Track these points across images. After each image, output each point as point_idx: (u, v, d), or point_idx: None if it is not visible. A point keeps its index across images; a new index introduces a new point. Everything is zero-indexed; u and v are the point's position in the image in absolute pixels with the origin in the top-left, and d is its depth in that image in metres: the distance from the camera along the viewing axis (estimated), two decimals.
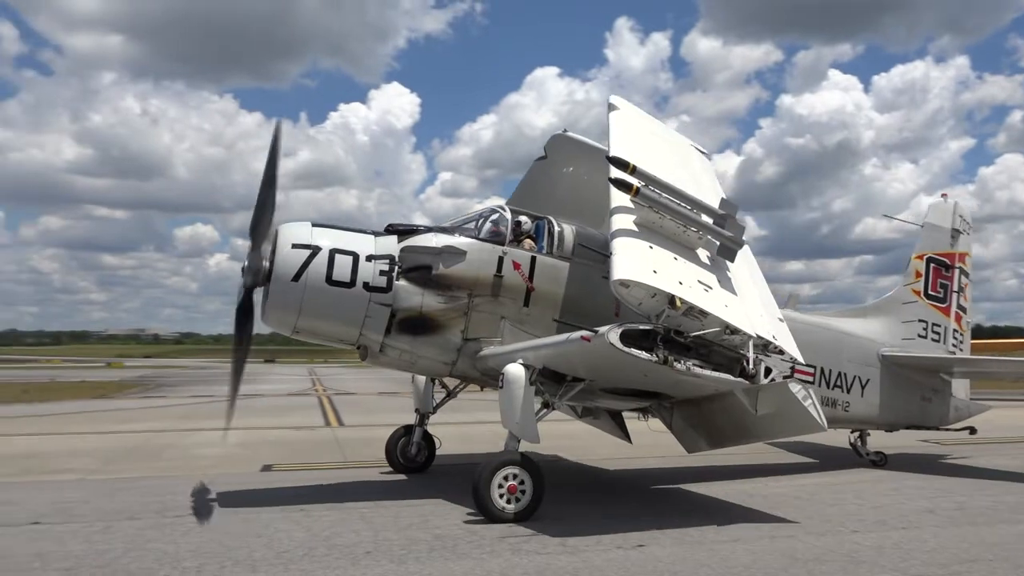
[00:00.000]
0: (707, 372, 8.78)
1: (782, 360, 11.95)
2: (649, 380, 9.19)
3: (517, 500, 8.93)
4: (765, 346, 9.23)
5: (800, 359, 9.48)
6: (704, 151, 12.35)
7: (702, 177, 11.28)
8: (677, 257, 9.03)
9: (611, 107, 11.15)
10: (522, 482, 8.96)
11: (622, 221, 9.07)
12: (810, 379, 12.60)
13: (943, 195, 15.13)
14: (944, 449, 15.91)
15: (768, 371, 9.17)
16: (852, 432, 13.96)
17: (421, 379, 12.65)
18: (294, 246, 9.92)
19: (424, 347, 10.43)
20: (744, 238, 10.06)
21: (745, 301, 9.36)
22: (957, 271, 14.75)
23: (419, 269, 10.26)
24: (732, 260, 9.55)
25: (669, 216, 9.15)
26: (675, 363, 8.54)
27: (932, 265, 14.57)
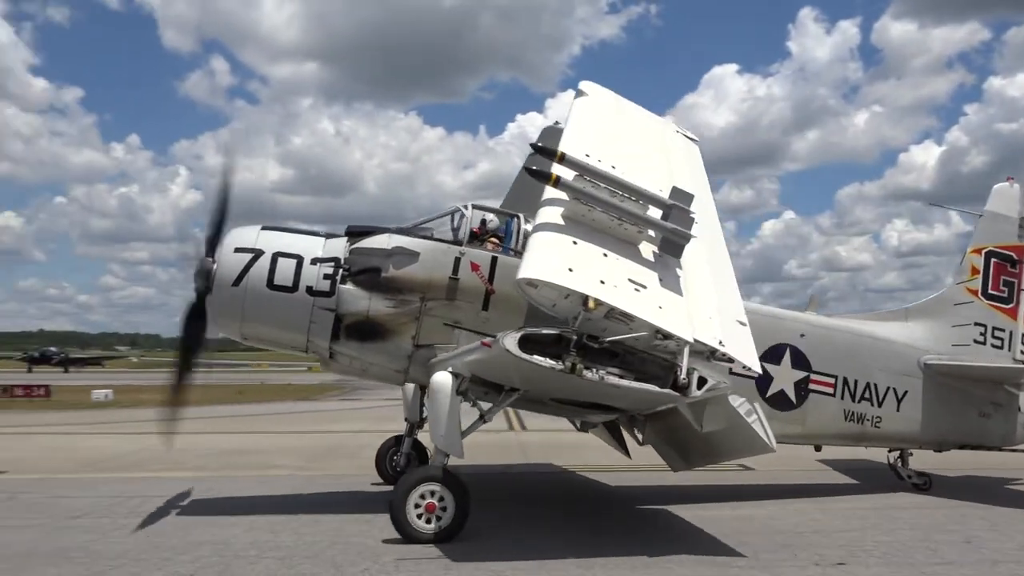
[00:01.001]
0: (625, 382, 7.79)
1: (795, 371, 10.80)
2: (583, 390, 8.29)
3: (438, 519, 8.24)
4: (712, 353, 8.12)
5: (756, 368, 8.23)
6: (692, 136, 11.22)
7: (680, 165, 10.21)
8: (607, 253, 8.06)
9: (579, 93, 10.33)
10: (442, 499, 8.26)
11: (547, 215, 8.23)
12: (829, 390, 11.22)
13: (1009, 179, 13.10)
14: (1014, 473, 13.83)
15: (702, 381, 8.01)
16: (890, 451, 12.31)
17: (411, 387, 12.16)
18: (236, 250, 9.70)
19: (372, 354, 9.95)
20: (714, 230, 9.01)
21: (693, 301, 8.25)
22: None
23: (367, 272, 9.79)
24: (677, 255, 8.44)
25: (601, 208, 8.22)
26: (584, 371, 7.62)
27: (993, 260, 12.62)
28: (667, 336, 7.85)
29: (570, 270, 7.65)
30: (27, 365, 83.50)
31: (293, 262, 9.74)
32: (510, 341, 7.52)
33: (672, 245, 8.35)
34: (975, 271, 12.56)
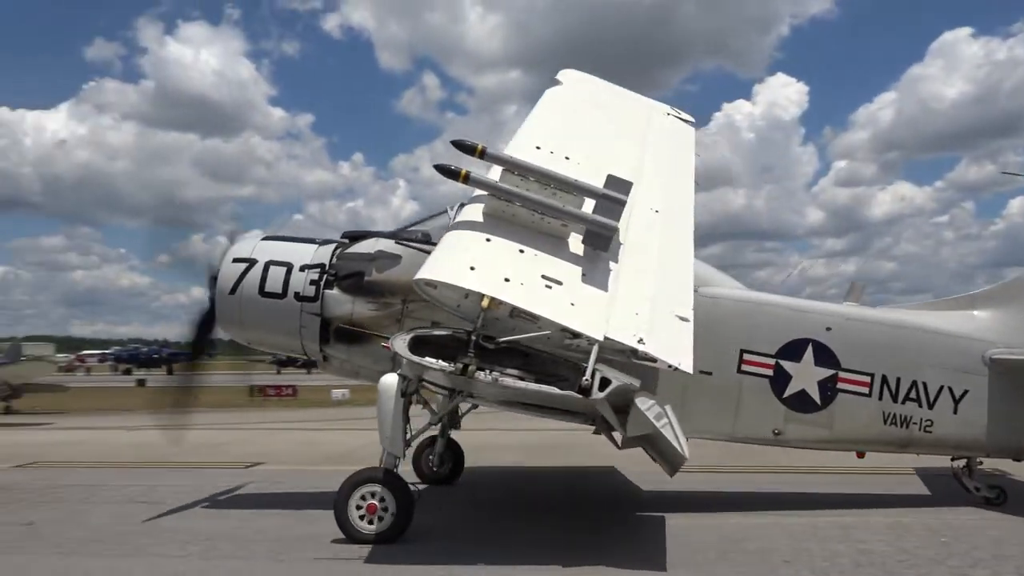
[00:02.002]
0: (522, 384, 7.41)
1: (819, 369, 9.83)
2: (504, 393, 8.00)
3: (379, 520, 8.28)
4: (634, 352, 7.54)
5: (681, 365, 7.49)
6: (686, 118, 10.45)
7: (660, 150, 9.60)
8: (524, 249, 7.73)
9: (554, 82, 10.01)
10: (383, 500, 8.30)
11: (468, 212, 8.08)
12: (863, 390, 10.01)
13: None
14: None
15: (605, 383, 7.41)
16: (953, 459, 10.69)
17: None
18: (234, 260, 10.33)
19: (360, 356, 10.21)
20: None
21: (620, 296, 7.70)
22: None
23: (350, 276, 10.08)
24: (604, 248, 7.90)
25: (520, 203, 7.91)
26: (477, 373, 7.36)
27: None
28: (576, 335, 7.43)
29: (472, 269, 7.44)
30: (276, 367, 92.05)
31: (283, 270, 10.21)
32: (399, 343, 7.48)
33: (597, 238, 7.87)
34: None
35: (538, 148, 8.78)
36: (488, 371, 7.52)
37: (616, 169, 8.74)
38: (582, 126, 9.51)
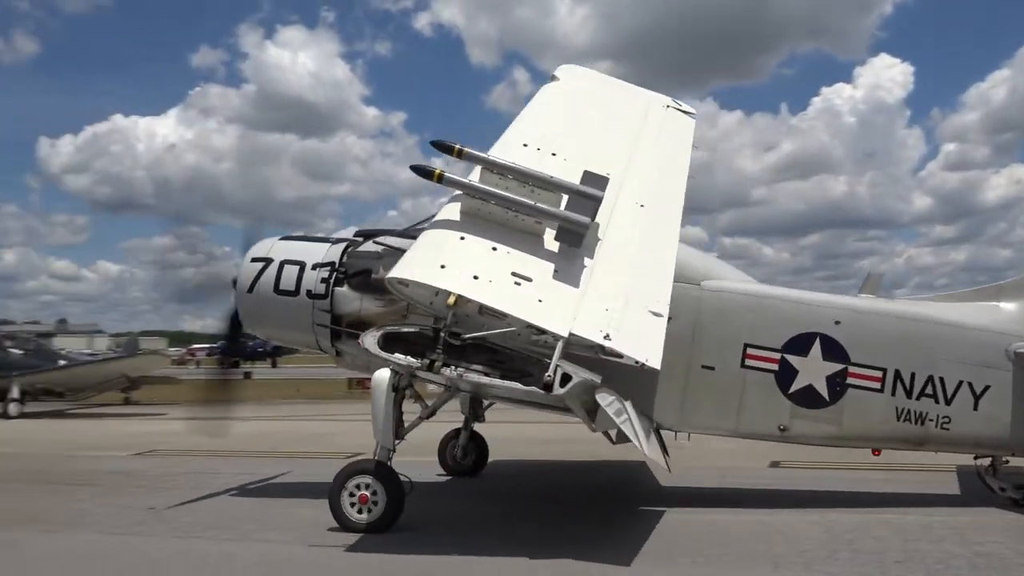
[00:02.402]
0: (485, 379, 7.53)
1: (827, 363, 9.59)
2: (481, 389, 8.15)
3: (369, 511, 8.56)
4: (601, 348, 7.55)
5: (648, 361, 7.44)
6: (687, 110, 10.28)
7: (654, 143, 9.55)
8: (497, 247, 7.87)
9: (552, 78, 10.07)
10: (374, 492, 8.57)
11: (445, 211, 8.27)
12: (875, 385, 9.69)
13: None
14: None
15: (566, 378, 7.43)
16: (976, 458, 10.18)
17: None
18: (252, 260, 10.80)
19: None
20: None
21: (591, 292, 7.73)
22: None
23: (359, 274, 10.39)
24: (576, 244, 7.93)
25: (494, 201, 8.04)
26: (443, 369, 7.53)
27: None
28: (543, 331, 7.51)
29: (442, 267, 7.64)
30: None
31: (296, 268, 10.60)
32: (369, 339, 7.74)
33: (570, 234, 7.94)
34: None
35: (525, 146, 8.91)
36: (454, 367, 7.69)
37: (603, 164, 8.81)
38: (573, 122, 9.54)
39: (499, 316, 7.62)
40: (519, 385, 7.73)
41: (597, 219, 8.29)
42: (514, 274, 7.66)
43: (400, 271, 7.66)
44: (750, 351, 9.80)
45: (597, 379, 7.65)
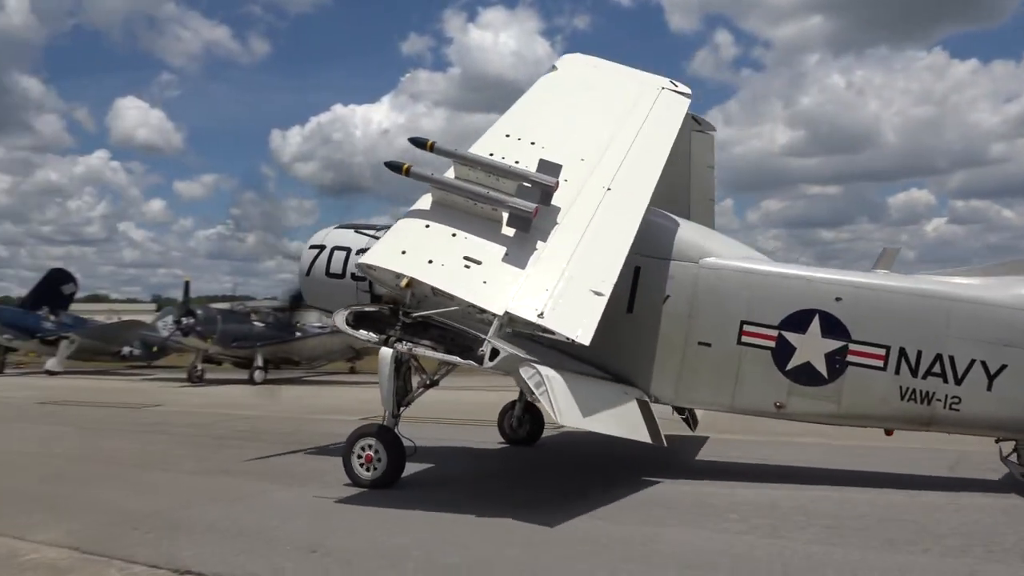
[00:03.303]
0: (430, 352, 8.26)
1: (827, 340, 9.55)
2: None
3: (374, 468, 9.61)
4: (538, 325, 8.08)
5: (578, 338, 7.85)
6: (683, 91, 10.33)
7: (640, 127, 9.81)
8: (457, 233, 8.61)
9: (551, 68, 10.56)
10: (377, 452, 9.59)
11: (419, 203, 9.10)
12: (878, 363, 9.42)
13: None
14: None
15: (495, 353, 7.97)
16: (998, 441, 9.51)
17: None
18: (311, 247, 12.22)
19: None
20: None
21: (535, 274, 8.28)
22: None
23: None
24: (525, 230, 8.46)
25: (455, 192, 8.76)
26: (396, 344, 8.36)
27: None
28: (483, 310, 8.17)
29: (403, 252, 8.52)
30: None
31: (344, 254, 11.88)
32: (339, 317, 8.73)
33: (518, 220, 8.52)
34: None
35: (507, 136, 9.56)
36: (405, 342, 8.54)
37: (580, 150, 9.31)
38: (560, 111, 9.99)
39: (448, 297, 8.37)
40: (459, 359, 8.46)
41: (559, 204, 8.82)
42: (466, 258, 8.39)
43: (367, 257, 8.62)
44: (747, 328, 9.82)
45: (521, 353, 8.19)
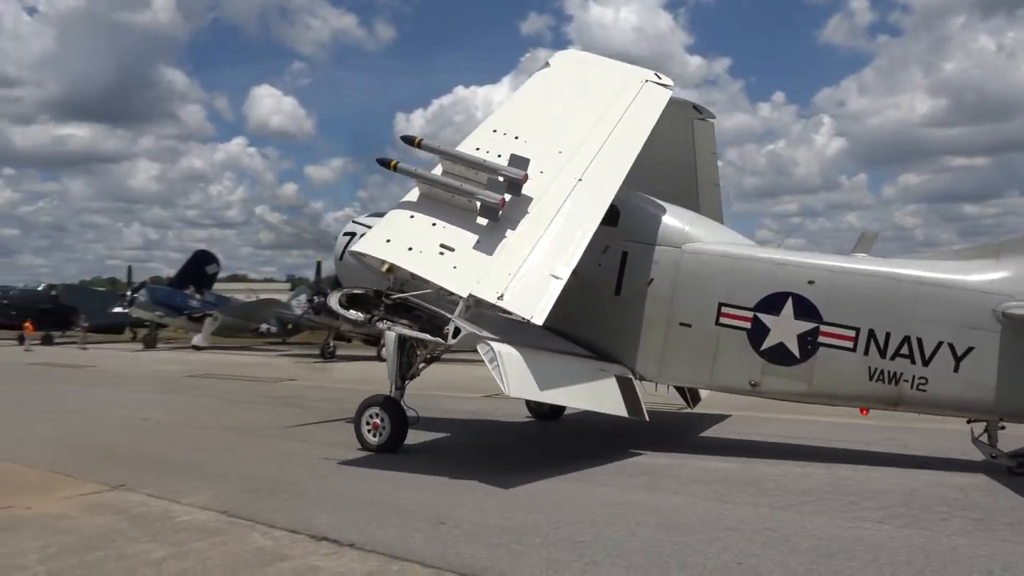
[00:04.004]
0: (407, 332, 9.29)
1: (799, 322, 9.98)
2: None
3: (379, 435, 10.69)
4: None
5: (533, 319, 8.66)
6: (664, 82, 10.84)
7: (619, 119, 10.46)
8: (436, 223, 9.58)
9: (545, 65, 11.35)
10: (382, 420, 10.72)
11: (409, 195, 10.12)
12: (847, 344, 9.72)
13: None
14: None
15: (457, 331, 8.88)
16: (970, 422, 9.51)
17: None
18: (344, 233, 13.48)
19: None
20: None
21: (501, 259, 9.14)
22: None
23: None
24: (493, 219, 9.33)
25: (435, 185, 9.74)
26: (378, 323, 9.45)
27: None
28: (451, 292, 9.14)
29: (387, 241, 9.62)
30: None
31: None
32: (333, 299, 9.89)
33: (488, 210, 9.43)
34: None
35: (494, 131, 10.46)
36: (386, 321, 9.62)
37: (558, 143, 10.14)
38: (545, 107, 10.74)
39: (424, 281, 9.39)
40: (429, 336, 9.46)
41: (531, 195, 9.66)
42: (442, 245, 9.38)
43: (358, 244, 9.77)
44: (724, 310, 10.32)
45: (480, 332, 9.08)
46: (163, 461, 10.47)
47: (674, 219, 10.82)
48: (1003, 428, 9.43)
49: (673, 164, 12.46)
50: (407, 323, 9.73)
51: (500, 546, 6.54)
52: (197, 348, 38.27)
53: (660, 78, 11.37)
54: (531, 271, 9.11)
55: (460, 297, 9.09)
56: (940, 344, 9.31)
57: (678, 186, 12.61)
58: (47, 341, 42.65)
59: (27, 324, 41.51)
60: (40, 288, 47.51)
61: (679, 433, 12.47)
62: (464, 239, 9.42)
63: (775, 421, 12.81)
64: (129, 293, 41.54)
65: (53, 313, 43.95)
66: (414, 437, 10.84)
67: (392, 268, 9.50)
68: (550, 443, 11.25)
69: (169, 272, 55.13)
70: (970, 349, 9.18)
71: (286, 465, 10.00)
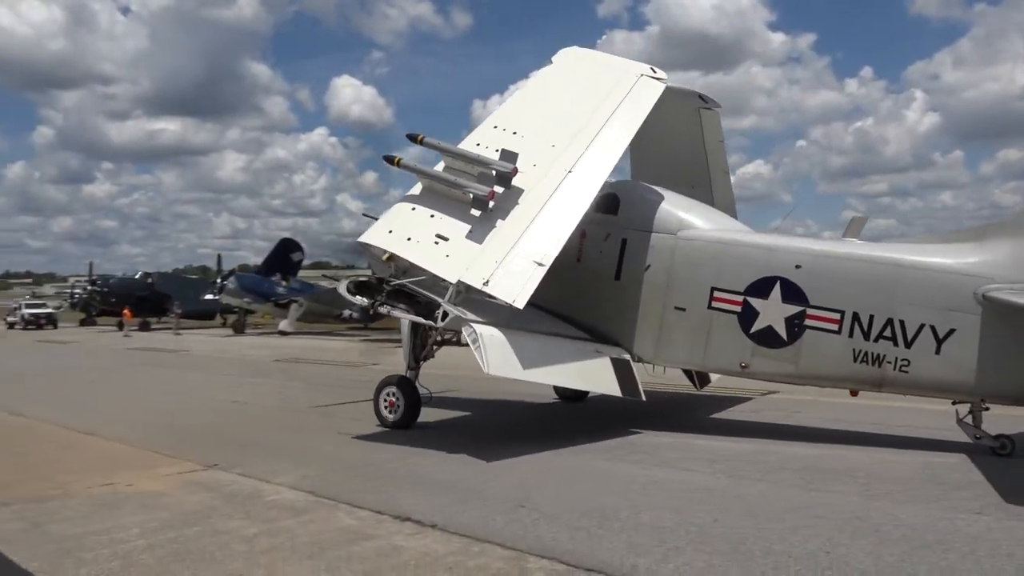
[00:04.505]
0: (402, 315, 9.98)
1: (787, 305, 10.30)
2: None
3: (395, 411, 11.48)
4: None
5: (515, 302, 9.22)
6: (659, 76, 11.13)
7: (613, 112, 10.88)
8: (435, 214, 10.27)
9: (548, 63, 11.86)
10: (397, 398, 11.50)
11: (413, 189, 10.83)
12: (832, 327, 9.94)
13: None
14: None
15: (445, 315, 9.51)
16: (955, 403, 9.55)
17: None
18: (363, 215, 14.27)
19: None
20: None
21: (490, 248, 9.74)
22: None
23: None
24: (483, 209, 9.92)
25: (432, 179, 10.41)
26: (379, 308, 10.20)
27: None
28: (443, 279, 9.81)
29: (389, 232, 10.38)
30: None
31: None
32: (342, 285, 10.68)
33: (478, 201, 10.05)
34: None
35: (495, 128, 11.10)
36: (387, 306, 10.36)
37: (552, 138, 10.67)
38: (545, 102, 11.24)
39: (420, 269, 10.08)
40: (422, 319, 10.16)
41: (523, 187, 10.23)
42: (438, 235, 10.07)
43: (364, 236, 10.53)
44: (716, 294, 10.66)
45: (466, 315, 9.70)
46: (253, 442, 10.88)
47: (670, 207, 11.18)
48: (987, 409, 9.49)
49: (685, 154, 12.78)
50: (405, 308, 10.46)
51: (580, 529, 6.58)
52: (283, 333, 39.76)
53: (655, 72, 11.70)
54: (516, 258, 9.69)
55: (450, 283, 9.75)
56: (922, 326, 9.42)
57: (691, 175, 12.95)
58: (144, 327, 45.48)
59: (125, 311, 44.34)
60: (137, 276, 50.43)
61: (753, 420, 12.30)
62: (458, 229, 10.07)
63: (843, 406, 11.89)
64: (219, 280, 43.62)
65: (149, 300, 46.80)
66: (488, 423, 11.27)
67: (392, 257, 10.22)
68: (626, 428, 11.08)
69: (256, 260, 57.22)
70: (951, 331, 9.27)
71: (370, 448, 10.28)
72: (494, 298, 9.59)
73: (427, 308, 10.36)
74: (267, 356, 26.72)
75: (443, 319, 9.93)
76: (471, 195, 10.06)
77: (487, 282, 9.50)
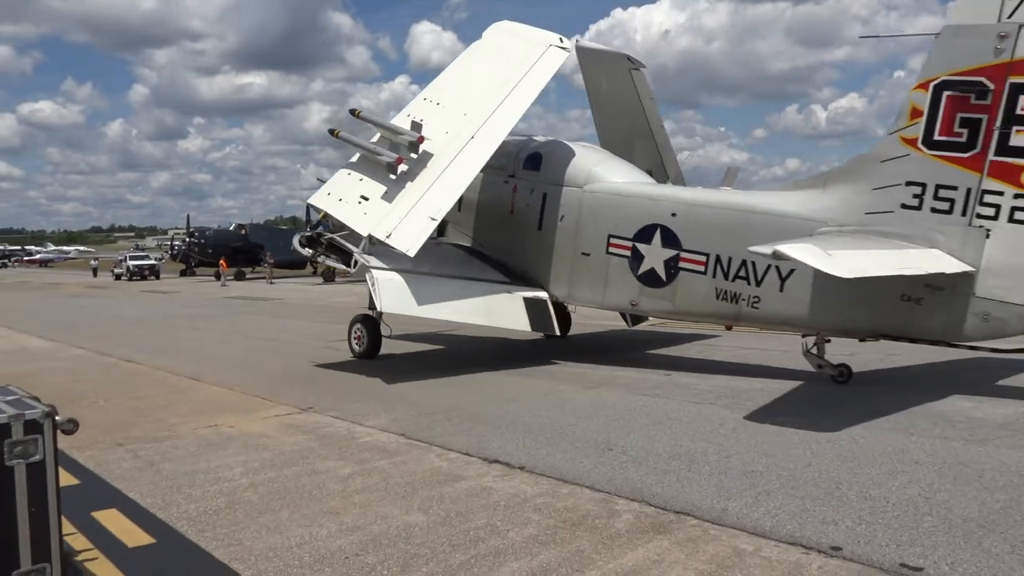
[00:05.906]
0: (332, 263, 11.85)
1: (665, 250, 11.62)
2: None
3: (361, 345, 13.55)
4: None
5: (409, 252, 10.89)
6: (563, 46, 12.48)
7: (519, 81, 12.30)
8: (363, 178, 12.00)
9: (480, 38, 13.34)
10: (362, 333, 13.53)
11: (352, 157, 12.55)
12: (700, 268, 11.17)
13: None
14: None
15: (356, 262, 11.34)
16: (804, 336, 10.59)
17: None
18: None
19: None
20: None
21: (397, 206, 11.41)
22: (1006, 93, 8.60)
23: None
24: (393, 173, 11.57)
25: (362, 150, 12.13)
26: (319, 258, 12.10)
27: (947, 94, 8.95)
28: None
29: (328, 194, 12.18)
30: None
31: None
32: (296, 240, 12.62)
33: (388, 166, 11.74)
34: (916, 113, 9.31)
35: (424, 100, 12.70)
36: (324, 256, 12.27)
37: (466, 106, 12.21)
38: (468, 75, 12.72)
39: (344, 224, 11.89)
40: (344, 266, 12.01)
41: (432, 152, 11.84)
42: (361, 196, 11.82)
43: (311, 198, 12.41)
44: (612, 240, 12.05)
45: (371, 261, 11.50)
46: (345, 386, 11.18)
47: (581, 162, 12.60)
48: (828, 342, 10.56)
49: (625, 112, 13.98)
50: (336, 257, 12.35)
51: (669, 472, 6.61)
52: None
53: (562, 42, 13.05)
54: (415, 214, 11.36)
55: (362, 236, 11.55)
56: (769, 267, 10.47)
57: (635, 131, 14.17)
58: (239, 277, 48.94)
59: (222, 261, 47.67)
60: (231, 228, 54.10)
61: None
62: (377, 191, 11.80)
63: (938, 351, 10.89)
64: (309, 230, 46.39)
65: (243, 251, 50.45)
66: (575, 370, 11.79)
67: (326, 215, 12.09)
68: (712, 373, 11.45)
69: None
70: (791, 272, 10.27)
71: (458, 392, 10.50)
72: (394, 248, 11.26)
73: (350, 257, 12.24)
74: (356, 303, 26.14)
75: (354, 266, 11.81)
76: (385, 162, 11.76)
77: (389, 235, 11.22)
